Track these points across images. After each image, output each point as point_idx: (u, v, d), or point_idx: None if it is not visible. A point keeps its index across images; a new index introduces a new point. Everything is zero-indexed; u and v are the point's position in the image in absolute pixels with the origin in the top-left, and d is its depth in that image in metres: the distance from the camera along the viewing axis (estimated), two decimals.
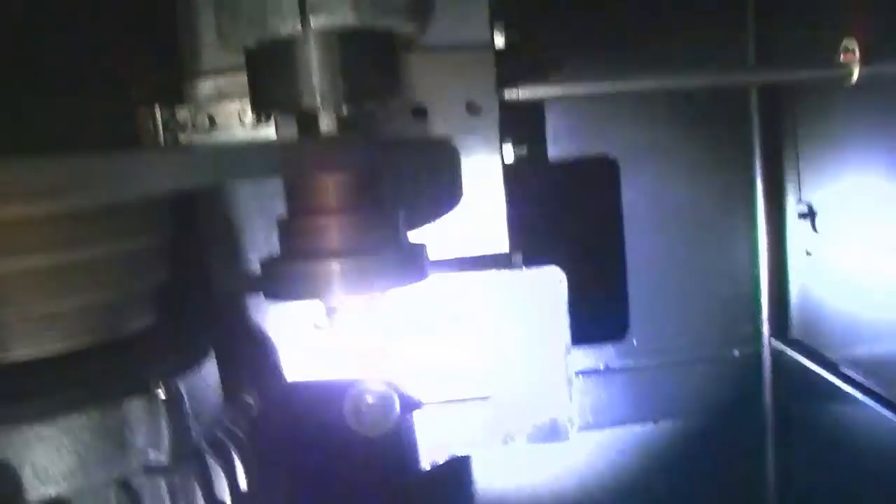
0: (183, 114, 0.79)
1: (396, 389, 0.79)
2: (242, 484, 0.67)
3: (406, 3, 0.67)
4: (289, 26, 0.64)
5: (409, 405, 0.81)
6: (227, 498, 0.65)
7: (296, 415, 0.82)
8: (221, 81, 0.79)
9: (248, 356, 0.81)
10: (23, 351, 0.61)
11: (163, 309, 0.71)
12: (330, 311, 0.72)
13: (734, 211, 1.09)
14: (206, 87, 0.79)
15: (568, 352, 0.80)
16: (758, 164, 1.08)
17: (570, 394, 0.81)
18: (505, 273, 0.80)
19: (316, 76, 0.65)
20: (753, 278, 1.10)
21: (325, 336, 0.78)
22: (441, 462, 0.83)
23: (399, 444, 0.82)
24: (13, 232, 0.57)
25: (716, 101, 1.06)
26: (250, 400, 0.80)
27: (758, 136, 1.07)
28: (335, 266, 0.66)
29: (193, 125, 0.79)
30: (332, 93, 0.66)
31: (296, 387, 0.81)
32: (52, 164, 0.55)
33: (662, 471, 1.12)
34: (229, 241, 0.81)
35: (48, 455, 0.56)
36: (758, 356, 1.11)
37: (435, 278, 0.74)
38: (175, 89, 0.79)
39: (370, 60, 0.67)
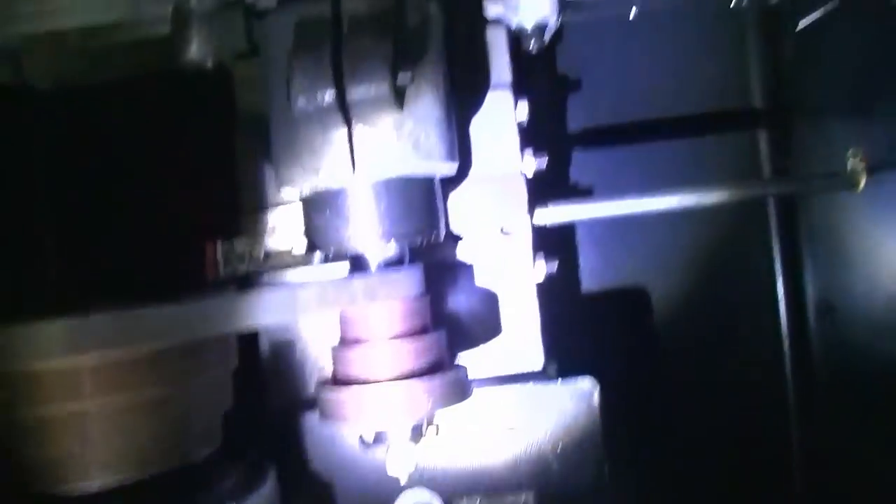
0: (241, 246, 0.86)
1: (441, 497, 0.84)
2: None
3: (447, 150, 0.74)
4: (340, 177, 0.71)
5: None
6: None
7: None
8: (276, 216, 0.86)
9: (302, 471, 0.86)
10: (102, 480, 0.66)
11: (227, 430, 0.76)
12: (378, 431, 0.77)
13: (758, 315, 1.14)
14: (262, 221, 0.86)
15: (603, 460, 0.85)
16: (779, 268, 1.13)
17: (608, 500, 0.85)
18: (540, 385, 0.85)
19: (364, 221, 0.72)
20: (780, 378, 1.15)
21: (374, 451, 0.83)
22: None
23: None
24: (94, 375, 0.64)
25: (736, 209, 1.12)
26: None
27: (777, 240, 1.13)
28: (383, 391, 0.72)
29: (251, 256, 0.86)
30: (379, 235, 0.73)
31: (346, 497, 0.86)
32: (129, 314, 0.63)
33: None
34: (286, 365, 0.87)
35: None
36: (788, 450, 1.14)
37: (474, 392, 0.80)
38: (234, 223, 0.86)
39: (414, 202, 0.74)
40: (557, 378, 0.86)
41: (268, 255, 0.85)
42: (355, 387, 0.73)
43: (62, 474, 0.65)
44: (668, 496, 1.11)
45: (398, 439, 0.76)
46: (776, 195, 1.11)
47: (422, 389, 0.72)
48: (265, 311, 0.69)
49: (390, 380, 0.73)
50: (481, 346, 0.87)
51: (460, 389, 0.75)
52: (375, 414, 0.73)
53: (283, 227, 0.85)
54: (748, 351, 1.14)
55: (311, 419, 0.83)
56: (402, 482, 0.79)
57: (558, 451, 0.85)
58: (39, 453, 0.64)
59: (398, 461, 0.77)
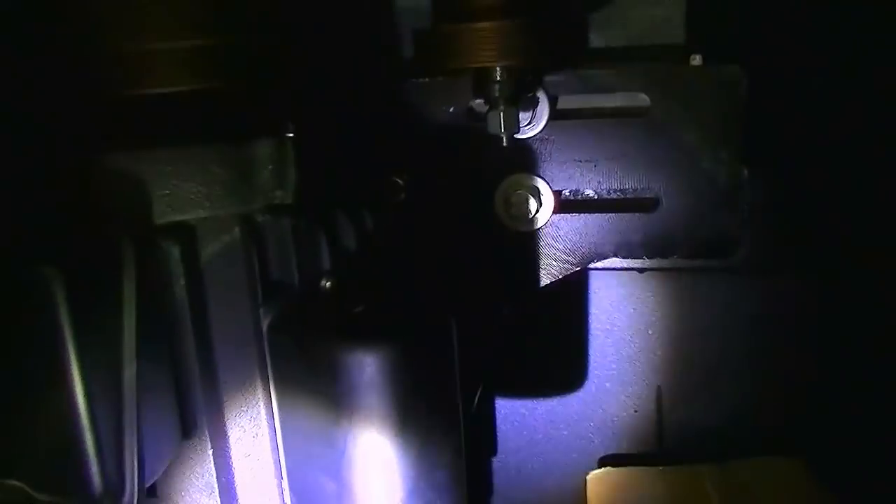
0: None
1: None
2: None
3: None
4: None
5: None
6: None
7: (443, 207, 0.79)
8: None
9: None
10: (159, 87, 0.60)
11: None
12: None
13: None
14: None
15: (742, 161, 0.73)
16: None
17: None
18: (680, 67, 0.73)
19: None
20: None
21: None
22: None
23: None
24: None
25: None
26: (400, 181, 0.79)
27: None
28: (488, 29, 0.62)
29: None
30: None
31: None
32: None
33: None
34: None
35: (177, 182, 0.56)
36: None
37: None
38: None
39: None
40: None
41: None
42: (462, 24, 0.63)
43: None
44: None
45: (501, 94, 0.66)
46: None
47: (525, 30, 0.62)
48: None
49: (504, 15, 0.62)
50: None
51: (572, 38, 0.64)
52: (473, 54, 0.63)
53: None
54: None
55: None
56: (504, 143, 0.70)
57: (694, 143, 0.73)
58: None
59: (500, 121, 0.68)
